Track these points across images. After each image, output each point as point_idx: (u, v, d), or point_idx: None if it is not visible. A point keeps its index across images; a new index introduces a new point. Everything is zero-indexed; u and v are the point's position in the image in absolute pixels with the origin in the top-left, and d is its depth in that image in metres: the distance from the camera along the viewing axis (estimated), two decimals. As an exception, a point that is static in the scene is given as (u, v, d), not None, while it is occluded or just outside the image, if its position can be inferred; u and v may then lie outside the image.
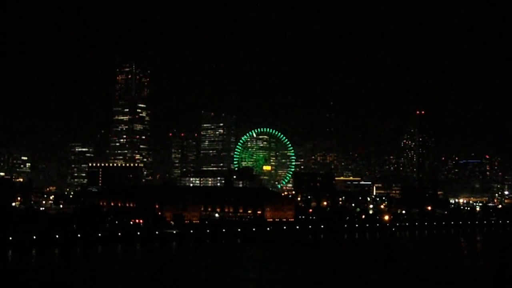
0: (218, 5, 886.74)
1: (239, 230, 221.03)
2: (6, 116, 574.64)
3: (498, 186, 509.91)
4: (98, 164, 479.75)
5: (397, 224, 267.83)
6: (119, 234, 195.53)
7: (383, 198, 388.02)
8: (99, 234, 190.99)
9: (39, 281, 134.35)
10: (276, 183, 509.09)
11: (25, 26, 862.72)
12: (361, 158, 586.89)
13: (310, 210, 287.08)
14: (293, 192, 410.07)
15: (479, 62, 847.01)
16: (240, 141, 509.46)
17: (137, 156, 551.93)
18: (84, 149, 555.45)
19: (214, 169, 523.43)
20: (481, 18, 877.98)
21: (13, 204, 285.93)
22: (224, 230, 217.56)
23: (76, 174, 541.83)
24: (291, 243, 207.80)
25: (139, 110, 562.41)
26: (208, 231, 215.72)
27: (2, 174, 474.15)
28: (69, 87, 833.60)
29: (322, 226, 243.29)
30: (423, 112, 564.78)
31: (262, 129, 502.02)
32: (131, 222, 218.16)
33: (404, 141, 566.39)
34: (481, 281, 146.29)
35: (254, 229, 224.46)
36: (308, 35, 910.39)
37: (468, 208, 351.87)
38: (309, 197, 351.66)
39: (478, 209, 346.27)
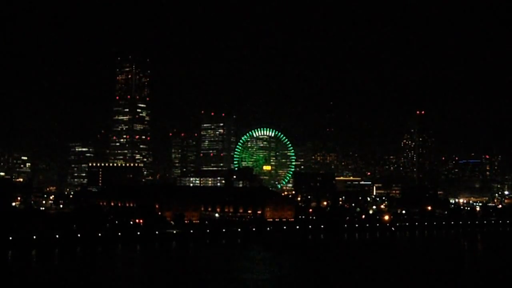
0: (218, 5, 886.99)
1: (239, 230, 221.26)
2: (6, 116, 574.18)
3: (498, 186, 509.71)
4: (98, 164, 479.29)
5: (397, 224, 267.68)
6: (119, 234, 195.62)
7: (383, 198, 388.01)
8: (99, 234, 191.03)
9: (39, 281, 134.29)
10: (276, 183, 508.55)
11: (25, 26, 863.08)
12: (361, 158, 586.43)
13: (310, 210, 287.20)
14: (293, 192, 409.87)
15: (479, 62, 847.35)
16: (240, 141, 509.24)
17: (137, 156, 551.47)
18: (84, 149, 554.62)
19: (214, 169, 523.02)
20: (481, 18, 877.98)
21: (13, 204, 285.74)
22: (224, 230, 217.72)
23: (76, 174, 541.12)
24: (291, 243, 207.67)
25: (139, 110, 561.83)
26: (208, 231, 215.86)
27: (2, 174, 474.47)
28: (69, 87, 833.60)
29: (322, 226, 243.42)
30: (423, 112, 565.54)
31: (262, 129, 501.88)
32: (131, 222, 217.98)
33: (404, 141, 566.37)
34: (481, 281, 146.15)
35: (254, 229, 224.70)
36: (308, 35, 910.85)
37: (468, 208, 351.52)
38: (309, 197, 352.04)
39: (478, 209, 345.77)
